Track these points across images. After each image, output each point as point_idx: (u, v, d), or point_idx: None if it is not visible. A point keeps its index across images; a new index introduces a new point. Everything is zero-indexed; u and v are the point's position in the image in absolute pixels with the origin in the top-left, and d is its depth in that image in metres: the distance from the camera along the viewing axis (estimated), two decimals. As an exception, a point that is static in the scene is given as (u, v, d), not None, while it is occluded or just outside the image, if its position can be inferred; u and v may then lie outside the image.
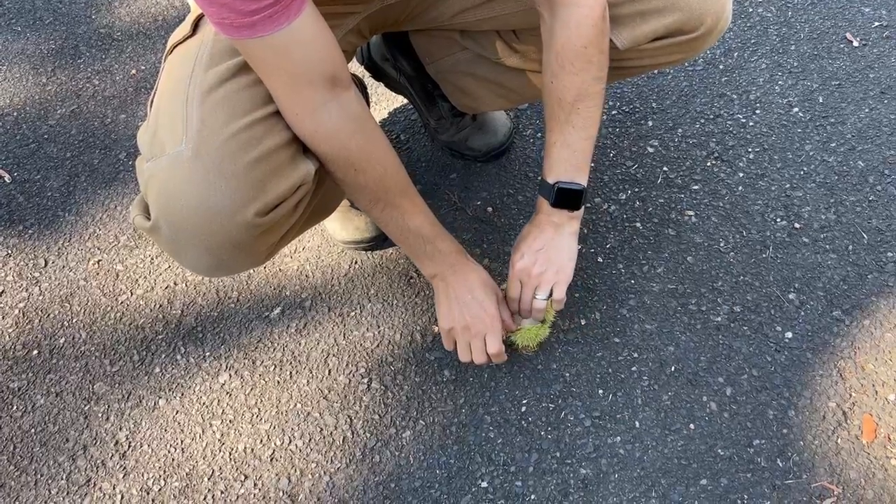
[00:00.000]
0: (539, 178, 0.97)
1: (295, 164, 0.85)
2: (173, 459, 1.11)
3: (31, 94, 1.65)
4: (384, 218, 0.98)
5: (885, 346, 1.14)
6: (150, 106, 0.90)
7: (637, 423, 1.10)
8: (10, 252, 1.38)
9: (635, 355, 1.17)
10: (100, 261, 1.36)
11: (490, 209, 1.37)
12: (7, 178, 1.49)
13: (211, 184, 0.78)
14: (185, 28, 0.92)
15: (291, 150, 0.86)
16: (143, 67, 1.68)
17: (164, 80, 0.90)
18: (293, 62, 0.79)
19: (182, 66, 0.87)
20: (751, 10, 1.64)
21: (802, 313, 1.19)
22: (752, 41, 1.58)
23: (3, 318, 1.29)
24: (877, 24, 1.58)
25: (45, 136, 1.56)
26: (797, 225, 1.29)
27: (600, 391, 1.13)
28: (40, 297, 1.32)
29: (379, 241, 1.32)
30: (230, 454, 1.11)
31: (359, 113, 0.88)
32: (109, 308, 1.29)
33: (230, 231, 0.81)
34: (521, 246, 1.05)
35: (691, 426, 1.09)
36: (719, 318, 1.19)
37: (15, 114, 1.61)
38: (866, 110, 1.44)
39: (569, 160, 0.98)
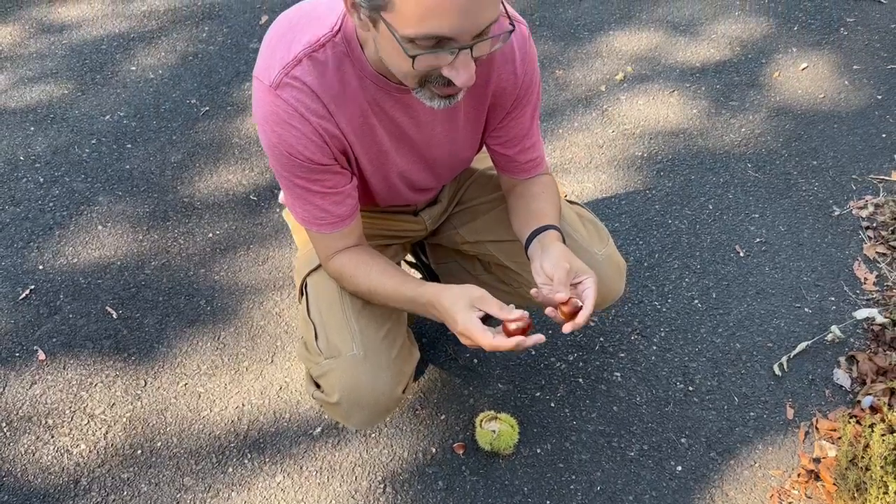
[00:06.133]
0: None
1: (411, 351, 1.37)
2: (243, 537, 1.55)
3: (130, 248, 2.17)
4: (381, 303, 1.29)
5: (743, 479, 1.65)
6: (308, 312, 1.35)
7: (572, 526, 1.58)
8: (118, 373, 1.85)
9: (573, 477, 1.66)
10: (186, 384, 1.84)
11: (476, 360, 1.89)
12: (114, 314, 1.99)
13: (377, 375, 1.27)
14: (311, 261, 1.40)
15: (407, 342, 1.37)
16: (217, 232, 2.22)
17: (316, 298, 1.36)
18: (328, 245, 1.28)
19: (329, 289, 1.34)
20: (669, 221, 2.25)
21: (689, 453, 1.70)
22: (669, 246, 2.18)
23: (114, 424, 1.75)
24: (758, 239, 2.20)
25: (143, 283, 2.07)
26: (690, 388, 1.83)
27: (548, 502, 1.61)
28: (142, 410, 1.78)
29: None
30: (284, 535, 1.56)
31: (357, 257, 1.28)
32: (194, 421, 1.76)
33: (387, 404, 1.30)
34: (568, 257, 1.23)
35: (609, 530, 1.57)
36: (632, 453, 1.70)
37: (118, 263, 2.13)
38: (745, 306, 2.02)
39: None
